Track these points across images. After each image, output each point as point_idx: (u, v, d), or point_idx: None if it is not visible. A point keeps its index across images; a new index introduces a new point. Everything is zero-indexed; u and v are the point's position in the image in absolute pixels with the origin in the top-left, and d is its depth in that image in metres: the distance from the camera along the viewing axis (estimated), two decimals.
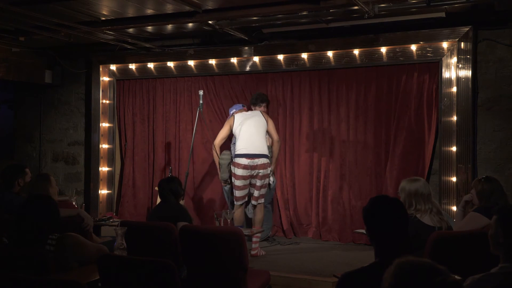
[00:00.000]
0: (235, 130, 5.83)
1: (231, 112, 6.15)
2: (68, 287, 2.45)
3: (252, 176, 5.65)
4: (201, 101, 6.26)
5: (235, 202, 5.77)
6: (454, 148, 5.66)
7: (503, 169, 5.60)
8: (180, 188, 4.52)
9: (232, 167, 5.73)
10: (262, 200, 5.75)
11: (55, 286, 2.46)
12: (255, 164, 5.61)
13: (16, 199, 4.23)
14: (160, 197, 4.59)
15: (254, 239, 5.59)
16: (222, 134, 5.97)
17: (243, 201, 5.77)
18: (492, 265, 2.30)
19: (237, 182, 5.66)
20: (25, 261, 2.90)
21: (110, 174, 7.41)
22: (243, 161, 5.60)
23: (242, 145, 5.68)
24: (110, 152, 7.41)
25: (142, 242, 3.77)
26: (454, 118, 5.67)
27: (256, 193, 5.70)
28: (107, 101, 7.41)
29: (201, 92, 6.29)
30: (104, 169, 7.37)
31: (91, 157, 7.38)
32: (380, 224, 2.35)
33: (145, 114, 7.31)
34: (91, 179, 7.35)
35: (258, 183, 5.67)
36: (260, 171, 5.64)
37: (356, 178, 6.23)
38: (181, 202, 4.73)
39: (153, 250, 3.74)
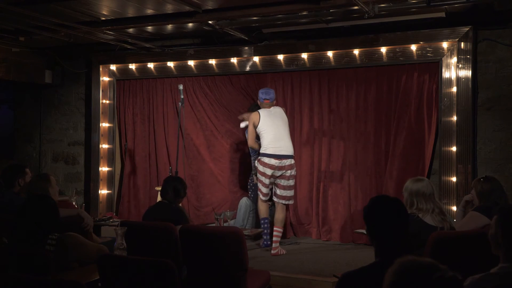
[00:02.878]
0: (261, 127, 5.74)
1: (263, 99, 5.87)
2: (68, 287, 2.45)
3: (275, 176, 5.69)
4: (181, 96, 6.29)
5: (261, 197, 5.79)
6: (454, 148, 5.66)
7: (503, 169, 5.60)
8: (183, 190, 4.49)
9: (257, 164, 5.76)
10: (284, 201, 5.76)
11: (55, 286, 2.46)
12: (283, 165, 5.66)
13: (17, 199, 4.23)
14: (160, 192, 4.57)
15: (274, 239, 5.62)
16: (252, 134, 5.87)
17: (268, 197, 5.84)
18: (492, 265, 2.30)
19: (264, 180, 5.71)
20: (25, 261, 2.90)
21: (110, 174, 7.41)
22: (272, 161, 5.63)
23: (270, 145, 5.68)
24: (110, 152, 7.41)
25: (142, 242, 3.77)
26: (454, 118, 5.67)
27: (279, 191, 5.73)
28: (107, 101, 7.41)
29: (180, 87, 6.33)
30: (104, 169, 7.37)
31: (91, 157, 7.38)
32: (380, 224, 2.35)
33: (145, 114, 7.31)
34: (91, 179, 7.35)
35: (283, 182, 5.71)
36: (288, 171, 5.69)
37: (356, 178, 6.23)
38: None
39: (153, 250, 3.74)
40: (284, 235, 6.47)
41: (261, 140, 5.79)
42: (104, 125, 7.38)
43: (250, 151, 6.64)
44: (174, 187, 4.43)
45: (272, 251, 5.59)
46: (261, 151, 5.74)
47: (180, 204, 4.71)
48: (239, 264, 3.59)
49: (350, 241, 6.19)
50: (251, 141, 5.93)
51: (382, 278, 1.91)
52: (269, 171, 5.65)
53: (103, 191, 7.36)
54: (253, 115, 5.83)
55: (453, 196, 5.63)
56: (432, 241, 3.23)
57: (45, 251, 3.01)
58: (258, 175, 5.77)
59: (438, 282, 1.54)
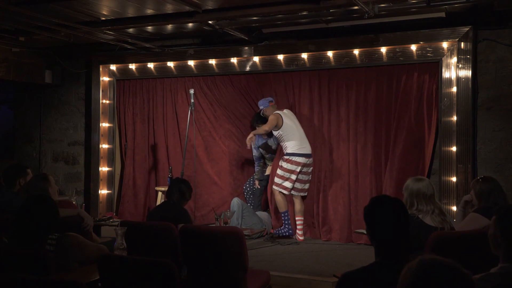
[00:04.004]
0: (285, 128, 6.14)
1: (262, 107, 6.38)
2: (68, 287, 2.45)
3: (301, 172, 6.15)
4: (192, 100, 6.33)
5: (284, 192, 6.16)
6: (454, 148, 5.66)
7: (503, 169, 5.60)
8: (188, 192, 4.56)
9: (284, 163, 6.13)
10: (303, 193, 6.34)
11: (55, 286, 2.46)
12: (309, 162, 6.20)
13: (17, 199, 4.23)
14: (166, 193, 4.67)
15: (299, 227, 6.25)
16: (267, 128, 6.19)
17: (290, 192, 6.23)
18: (492, 265, 2.30)
19: (292, 176, 6.12)
20: (25, 261, 2.90)
21: (110, 174, 7.41)
22: (302, 159, 6.10)
23: (299, 145, 6.13)
24: (110, 152, 7.41)
25: (142, 242, 3.77)
26: (454, 118, 5.67)
27: (300, 186, 6.23)
28: (107, 101, 7.41)
29: (192, 91, 6.39)
30: (104, 169, 7.37)
31: (91, 157, 7.38)
32: (380, 224, 2.34)
33: (145, 114, 7.31)
34: (91, 179, 7.36)
35: (305, 177, 6.25)
36: (310, 168, 6.26)
37: (356, 178, 6.23)
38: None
39: (153, 250, 3.74)
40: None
41: (286, 140, 6.17)
42: (104, 125, 7.38)
43: (255, 158, 6.72)
44: (180, 189, 4.50)
45: (300, 238, 6.22)
46: (291, 151, 6.13)
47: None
48: (239, 264, 3.59)
49: (350, 241, 6.19)
50: (268, 128, 6.18)
51: (382, 278, 1.91)
52: (298, 169, 6.10)
53: (103, 191, 7.36)
54: (277, 117, 6.15)
55: (453, 196, 5.63)
56: (432, 241, 3.23)
57: (45, 251, 3.00)
58: (285, 173, 6.13)
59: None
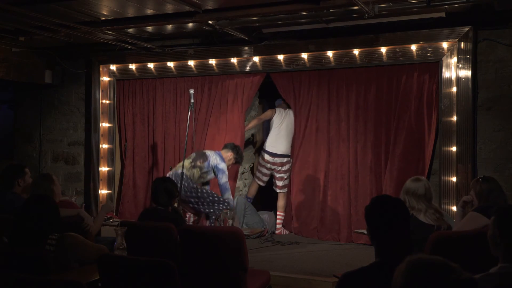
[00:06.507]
0: (271, 123, 6.76)
1: (276, 104, 7.12)
2: (68, 287, 2.45)
3: (271, 169, 6.72)
4: (192, 100, 6.30)
5: (260, 184, 6.85)
6: (454, 148, 5.67)
7: (503, 169, 5.60)
8: (175, 189, 4.32)
9: (260, 157, 6.85)
10: (278, 190, 6.75)
11: (55, 286, 2.46)
12: (275, 162, 6.65)
13: (17, 199, 4.23)
14: (152, 197, 4.30)
15: (278, 221, 6.67)
16: (253, 123, 7.03)
17: (264, 184, 6.89)
18: (492, 265, 2.30)
19: (263, 170, 6.77)
20: (25, 261, 2.90)
21: (110, 174, 7.40)
22: (267, 157, 6.68)
23: (269, 143, 6.70)
24: (110, 152, 7.41)
25: (142, 242, 3.77)
26: (454, 118, 5.67)
27: (280, 183, 6.71)
28: (107, 101, 7.41)
29: (191, 91, 6.33)
30: (104, 169, 7.37)
31: (91, 157, 7.38)
32: (381, 224, 2.35)
33: (145, 114, 7.30)
34: (91, 179, 7.35)
35: (276, 175, 6.73)
36: (278, 167, 6.67)
37: (356, 178, 6.22)
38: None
39: (153, 250, 3.74)
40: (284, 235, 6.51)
41: (266, 135, 6.83)
42: (104, 125, 7.38)
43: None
44: (166, 188, 4.22)
45: (276, 231, 6.62)
46: (263, 146, 6.78)
47: (175, 205, 4.65)
48: (239, 264, 3.60)
49: (350, 241, 6.19)
50: (250, 124, 6.99)
51: (382, 278, 1.91)
52: (265, 164, 6.71)
53: (103, 191, 7.36)
54: (269, 111, 6.87)
55: (453, 196, 5.63)
56: (432, 241, 3.23)
57: (45, 251, 3.01)
58: (258, 166, 6.86)
59: (455, 284, 1.51)
